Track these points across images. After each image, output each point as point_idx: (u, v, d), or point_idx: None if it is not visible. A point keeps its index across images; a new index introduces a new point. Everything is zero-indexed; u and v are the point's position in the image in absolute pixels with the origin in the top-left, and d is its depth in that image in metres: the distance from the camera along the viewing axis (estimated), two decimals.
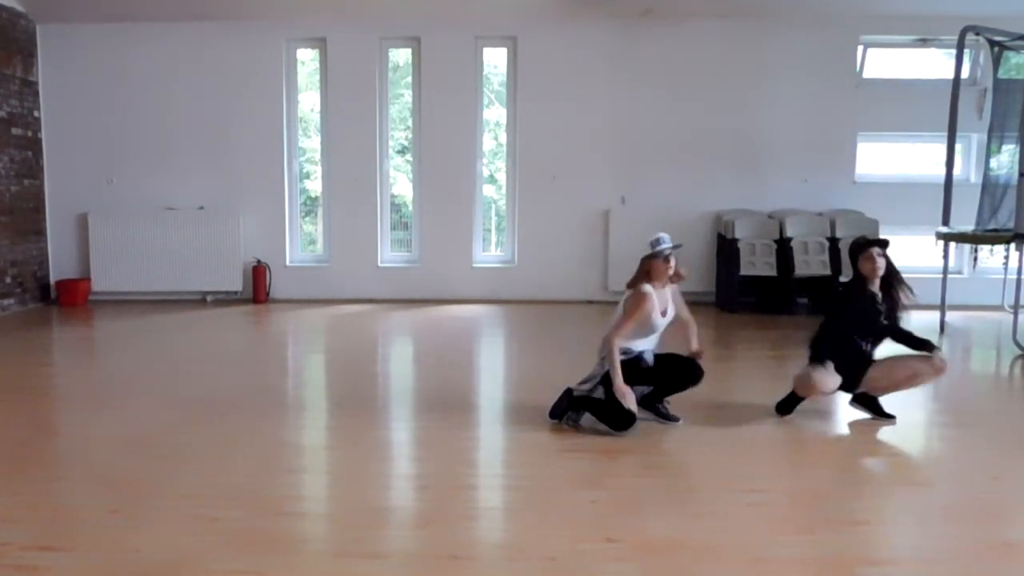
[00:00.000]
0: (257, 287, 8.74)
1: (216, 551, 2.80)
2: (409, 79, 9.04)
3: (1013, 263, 6.62)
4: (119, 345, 6.79)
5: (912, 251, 8.99)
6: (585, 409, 4.16)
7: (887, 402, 4.43)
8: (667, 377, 4.25)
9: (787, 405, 4.41)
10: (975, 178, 8.41)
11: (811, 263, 8.19)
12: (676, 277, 4.26)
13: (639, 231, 8.67)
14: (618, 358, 4.03)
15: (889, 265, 4.25)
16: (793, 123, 8.70)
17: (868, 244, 4.27)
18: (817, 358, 4.23)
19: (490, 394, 5.34)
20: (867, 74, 8.81)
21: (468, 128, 8.77)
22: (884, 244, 4.29)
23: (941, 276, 7.44)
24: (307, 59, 9.19)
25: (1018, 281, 6.48)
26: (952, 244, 7.51)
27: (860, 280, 4.27)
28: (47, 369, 6.00)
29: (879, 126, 8.75)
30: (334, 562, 2.77)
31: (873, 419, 4.39)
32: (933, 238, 7.48)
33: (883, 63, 8.92)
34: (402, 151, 9.52)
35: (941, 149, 7.70)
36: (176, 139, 8.75)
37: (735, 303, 8.26)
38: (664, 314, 4.20)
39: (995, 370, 6.23)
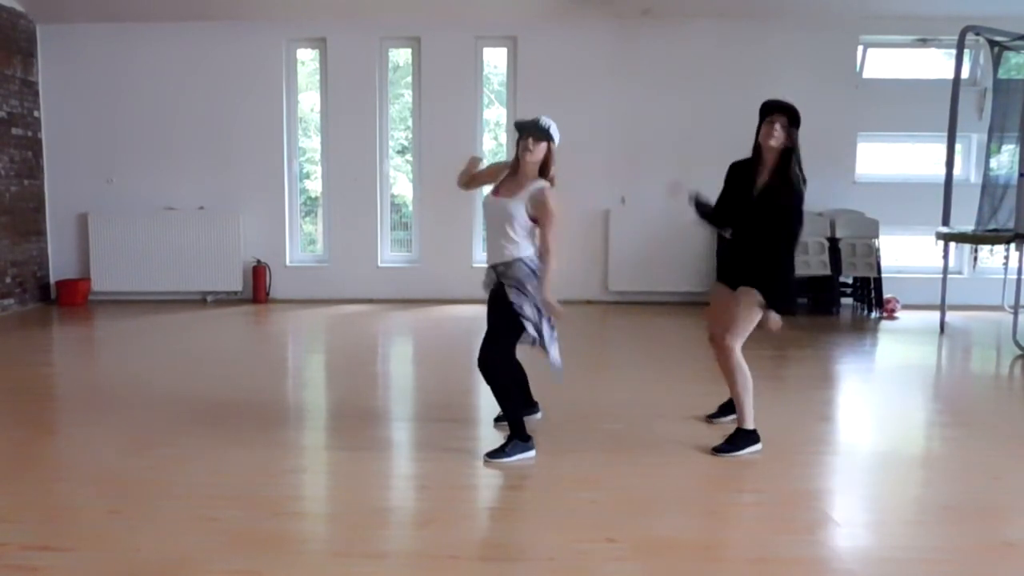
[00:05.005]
0: (257, 287, 8.74)
1: (216, 551, 2.80)
2: (409, 79, 9.04)
3: (1013, 263, 6.62)
4: (119, 345, 6.79)
5: (912, 251, 9.03)
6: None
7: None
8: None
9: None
10: (975, 178, 8.41)
11: (811, 263, 8.20)
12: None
13: (639, 231, 8.77)
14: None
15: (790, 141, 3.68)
16: None
17: (773, 109, 3.73)
18: None
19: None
20: (867, 74, 8.81)
21: (468, 128, 8.77)
22: (791, 115, 3.67)
23: (941, 276, 7.45)
24: (307, 59, 9.19)
25: (1018, 281, 6.49)
26: (952, 244, 7.52)
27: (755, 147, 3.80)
28: (47, 369, 6.00)
29: (879, 126, 8.75)
30: (334, 562, 2.77)
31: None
32: (933, 238, 7.48)
33: (883, 63, 8.92)
34: (402, 151, 9.51)
35: (941, 149, 7.70)
36: (176, 139, 8.75)
37: None
38: None
39: (995, 370, 6.23)
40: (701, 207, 4.03)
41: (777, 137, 3.69)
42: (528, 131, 3.74)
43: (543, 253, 3.75)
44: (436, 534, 2.98)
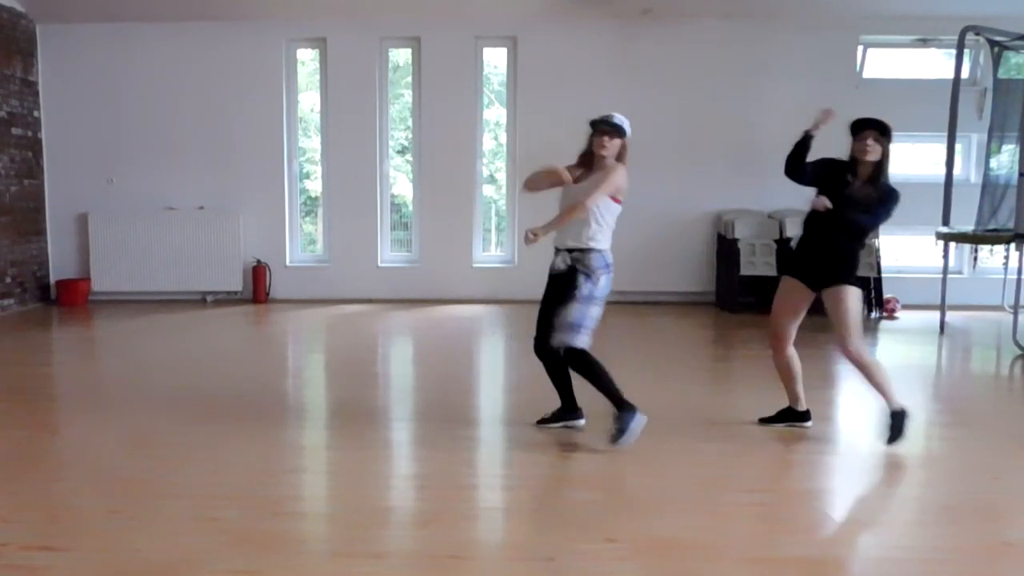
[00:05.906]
0: (257, 287, 8.74)
1: (216, 551, 2.80)
2: (409, 79, 9.04)
3: (1013, 263, 6.62)
4: (119, 345, 6.79)
5: (912, 251, 9.03)
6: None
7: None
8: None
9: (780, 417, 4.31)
10: (975, 178, 8.40)
11: None
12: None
13: (639, 231, 8.75)
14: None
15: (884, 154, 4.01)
16: (793, 123, 8.56)
17: (864, 126, 4.03)
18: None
19: (490, 394, 5.34)
20: (867, 74, 8.81)
21: (468, 128, 8.77)
22: (881, 128, 4.01)
23: (941, 276, 7.44)
24: (307, 59, 9.19)
25: (1018, 281, 6.48)
26: (952, 244, 7.51)
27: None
28: (47, 369, 6.00)
29: None
30: (334, 562, 2.77)
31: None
32: (933, 238, 7.48)
33: (883, 63, 8.92)
34: (402, 151, 9.52)
35: (941, 149, 7.69)
36: (176, 139, 8.74)
37: (735, 303, 8.26)
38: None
39: (995, 370, 6.23)
40: (804, 143, 4.24)
41: (872, 151, 4.00)
42: (602, 128, 4.00)
43: (580, 198, 3.90)
44: (436, 534, 2.98)
